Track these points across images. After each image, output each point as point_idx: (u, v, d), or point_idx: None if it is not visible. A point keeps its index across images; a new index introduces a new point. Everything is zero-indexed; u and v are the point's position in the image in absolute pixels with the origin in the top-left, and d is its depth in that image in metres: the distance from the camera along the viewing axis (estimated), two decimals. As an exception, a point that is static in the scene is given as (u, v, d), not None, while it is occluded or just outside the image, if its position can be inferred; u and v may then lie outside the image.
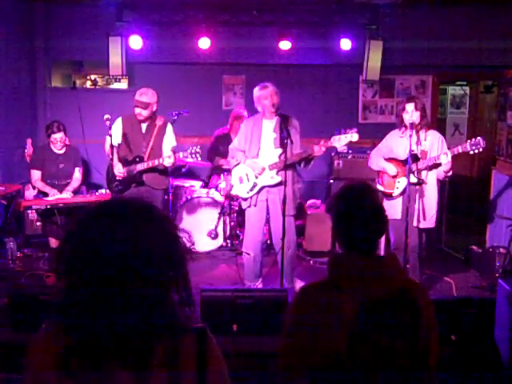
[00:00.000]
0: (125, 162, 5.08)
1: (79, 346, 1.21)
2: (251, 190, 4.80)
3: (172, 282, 1.29)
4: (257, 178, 4.77)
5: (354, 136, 4.54)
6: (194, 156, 4.93)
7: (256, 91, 4.77)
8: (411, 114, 4.57)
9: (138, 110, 5.03)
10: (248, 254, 4.87)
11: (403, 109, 4.63)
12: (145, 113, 5.02)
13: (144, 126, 5.13)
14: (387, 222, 2.01)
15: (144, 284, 1.23)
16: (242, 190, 4.85)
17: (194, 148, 4.93)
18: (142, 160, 5.04)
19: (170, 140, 5.16)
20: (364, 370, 1.78)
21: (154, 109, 5.09)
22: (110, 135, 4.86)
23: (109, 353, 1.22)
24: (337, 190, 2.06)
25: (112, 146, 4.89)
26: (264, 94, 4.68)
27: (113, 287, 1.22)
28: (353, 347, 1.77)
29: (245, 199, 4.88)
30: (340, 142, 4.57)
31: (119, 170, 5.06)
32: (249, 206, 4.86)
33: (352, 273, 1.84)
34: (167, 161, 4.91)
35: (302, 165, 4.78)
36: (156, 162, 4.96)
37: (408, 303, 1.83)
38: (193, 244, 5.94)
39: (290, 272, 4.79)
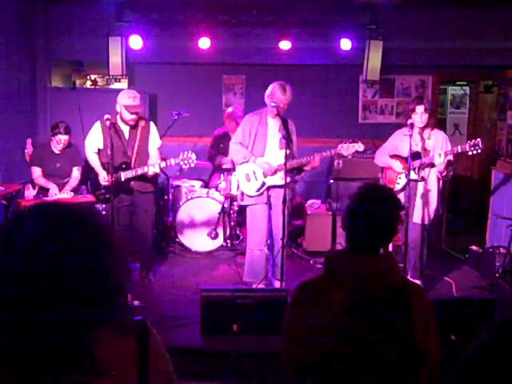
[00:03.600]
0: (110, 169, 4.64)
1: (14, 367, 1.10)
2: (259, 189, 4.83)
3: (102, 291, 1.17)
4: (265, 177, 4.80)
5: (360, 146, 4.66)
6: (186, 162, 4.74)
7: (277, 88, 4.63)
8: (421, 115, 4.60)
9: (131, 117, 4.70)
10: (260, 251, 4.87)
11: (413, 110, 4.65)
12: (136, 118, 4.75)
13: (126, 129, 4.82)
14: (396, 227, 1.95)
15: (70, 296, 1.11)
16: (250, 188, 4.85)
17: (186, 153, 4.73)
18: (128, 167, 4.80)
19: (154, 140, 4.94)
20: (351, 368, 1.75)
21: None
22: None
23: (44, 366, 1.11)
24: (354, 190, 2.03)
25: (98, 152, 4.75)
26: (290, 96, 4.64)
27: (34, 304, 1.09)
28: (340, 345, 1.75)
29: (250, 197, 4.90)
30: (348, 150, 4.66)
31: (104, 178, 4.79)
32: (255, 204, 4.85)
33: (343, 269, 1.84)
34: (152, 169, 4.71)
35: (295, 172, 4.83)
36: (145, 169, 4.74)
37: (400, 303, 1.79)
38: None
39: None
